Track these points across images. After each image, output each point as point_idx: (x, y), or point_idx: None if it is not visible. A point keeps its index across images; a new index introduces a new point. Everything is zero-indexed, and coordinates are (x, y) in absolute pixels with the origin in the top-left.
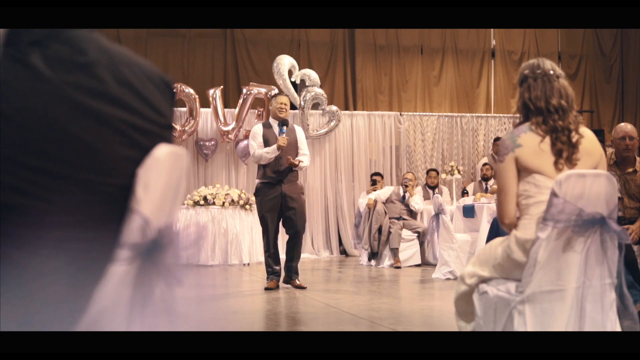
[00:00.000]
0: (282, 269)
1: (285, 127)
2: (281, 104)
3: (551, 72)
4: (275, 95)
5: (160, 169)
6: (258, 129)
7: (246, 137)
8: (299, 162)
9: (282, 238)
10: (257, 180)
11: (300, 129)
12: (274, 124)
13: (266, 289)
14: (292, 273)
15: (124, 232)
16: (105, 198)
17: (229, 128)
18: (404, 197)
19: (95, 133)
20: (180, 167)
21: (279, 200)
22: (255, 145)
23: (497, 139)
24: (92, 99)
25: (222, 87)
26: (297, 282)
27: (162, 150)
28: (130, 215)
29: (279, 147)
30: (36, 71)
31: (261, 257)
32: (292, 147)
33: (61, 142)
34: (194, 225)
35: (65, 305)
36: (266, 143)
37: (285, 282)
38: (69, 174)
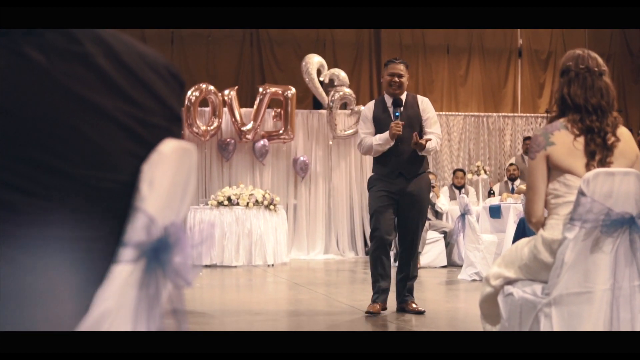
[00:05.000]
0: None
1: (400, 109)
2: (392, 75)
3: (595, 68)
4: (387, 63)
5: (167, 164)
6: (368, 110)
7: (263, 137)
8: (426, 140)
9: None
10: (372, 174)
11: (424, 99)
12: (389, 100)
13: (367, 312)
14: (404, 292)
15: (128, 230)
16: (108, 195)
17: (248, 128)
18: None
19: (96, 126)
20: (189, 163)
21: (397, 198)
22: (363, 132)
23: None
24: (91, 90)
25: (237, 87)
26: (414, 306)
27: (168, 145)
28: (134, 214)
29: (392, 136)
30: (31, 61)
31: (286, 258)
32: (414, 127)
33: (59, 136)
34: (201, 224)
35: (66, 307)
36: (378, 127)
37: (398, 308)
38: (68, 170)
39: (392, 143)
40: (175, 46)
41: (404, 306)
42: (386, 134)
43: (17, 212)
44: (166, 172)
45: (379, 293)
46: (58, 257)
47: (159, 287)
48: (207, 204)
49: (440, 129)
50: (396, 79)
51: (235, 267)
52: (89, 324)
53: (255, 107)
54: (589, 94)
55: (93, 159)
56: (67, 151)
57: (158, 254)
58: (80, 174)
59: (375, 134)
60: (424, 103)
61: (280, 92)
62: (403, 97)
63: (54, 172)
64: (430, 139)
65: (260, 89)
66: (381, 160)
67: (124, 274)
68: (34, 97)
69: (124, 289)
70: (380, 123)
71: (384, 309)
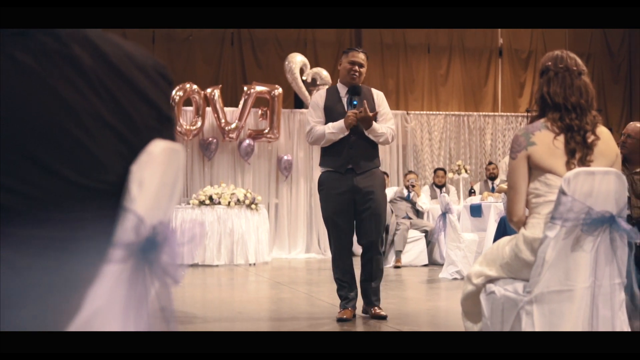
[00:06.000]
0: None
1: (357, 97)
2: (353, 63)
3: (574, 68)
4: (348, 50)
5: (156, 165)
6: (319, 97)
7: (249, 136)
8: (374, 114)
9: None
10: (320, 169)
11: (379, 93)
12: (343, 90)
13: (339, 320)
14: (370, 297)
15: (118, 230)
16: (97, 195)
17: (231, 127)
18: (408, 195)
19: (85, 128)
20: (177, 163)
21: (350, 197)
22: (313, 120)
23: None
24: (79, 92)
25: (220, 86)
26: (377, 310)
27: (157, 146)
28: (123, 214)
29: (348, 125)
30: (20, 63)
31: (267, 257)
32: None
33: (49, 138)
34: (190, 222)
35: (57, 305)
36: (330, 116)
37: (363, 310)
38: (59, 171)
39: (347, 132)
40: (156, 46)
41: (367, 309)
42: (341, 123)
43: (11, 213)
44: (155, 173)
45: (348, 300)
46: (48, 257)
47: (147, 285)
48: (189, 203)
49: (394, 126)
50: (356, 67)
51: (217, 266)
52: (80, 322)
53: (240, 106)
54: (568, 93)
55: (83, 161)
56: (57, 153)
57: (146, 252)
58: (70, 175)
59: (326, 123)
60: (379, 98)
61: (266, 91)
62: None
63: (46, 174)
64: (382, 119)
65: (245, 88)
66: (330, 152)
67: (113, 273)
68: (23, 99)
69: (113, 288)
70: (332, 112)
71: (354, 316)
